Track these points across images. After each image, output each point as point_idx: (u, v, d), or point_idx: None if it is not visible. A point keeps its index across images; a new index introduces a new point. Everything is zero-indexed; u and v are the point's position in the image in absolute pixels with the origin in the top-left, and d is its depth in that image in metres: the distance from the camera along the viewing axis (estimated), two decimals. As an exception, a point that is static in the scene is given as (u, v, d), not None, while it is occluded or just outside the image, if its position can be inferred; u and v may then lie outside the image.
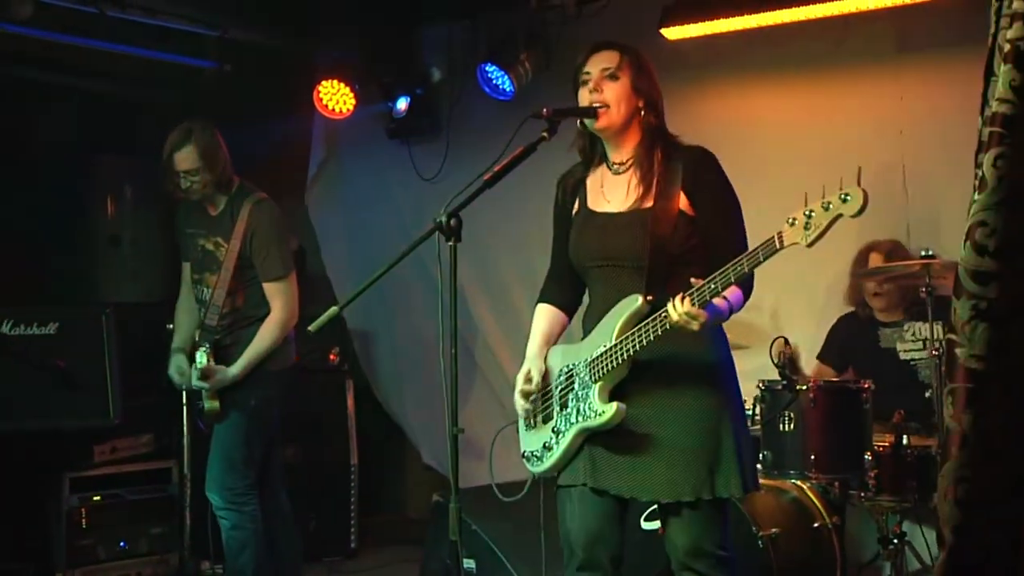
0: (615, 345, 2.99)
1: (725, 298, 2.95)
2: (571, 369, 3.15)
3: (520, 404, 3.25)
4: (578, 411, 3.08)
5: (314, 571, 5.77)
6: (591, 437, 3.09)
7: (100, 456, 5.48)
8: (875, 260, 4.87)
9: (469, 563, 4.67)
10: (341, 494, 6.16)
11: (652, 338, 2.92)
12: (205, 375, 4.43)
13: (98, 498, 5.39)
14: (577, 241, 3.22)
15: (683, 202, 3.07)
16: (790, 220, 2.70)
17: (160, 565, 5.53)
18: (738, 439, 3.07)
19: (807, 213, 2.68)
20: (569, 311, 3.39)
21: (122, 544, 5.43)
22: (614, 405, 2.99)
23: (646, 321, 2.94)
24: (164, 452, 5.71)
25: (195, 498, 5.45)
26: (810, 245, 2.68)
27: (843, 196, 2.63)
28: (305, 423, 5.93)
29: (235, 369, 4.47)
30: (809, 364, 5.21)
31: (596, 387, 3.03)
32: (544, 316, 3.38)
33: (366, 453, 6.28)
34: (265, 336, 4.49)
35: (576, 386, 3.11)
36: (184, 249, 4.77)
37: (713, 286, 2.81)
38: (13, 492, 5.24)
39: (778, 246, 2.72)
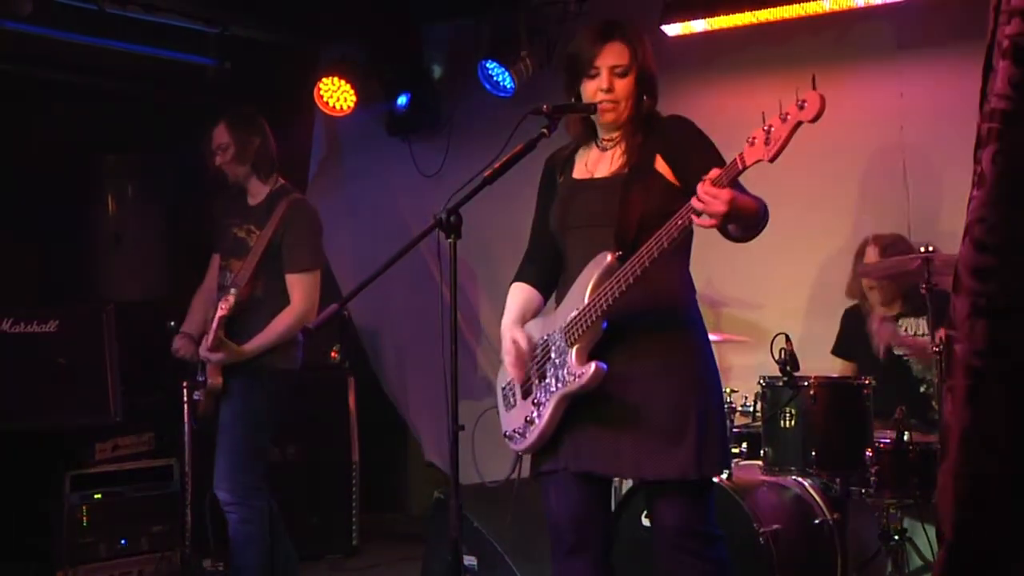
0: (587, 305, 2.99)
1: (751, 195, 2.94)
2: (547, 339, 3.14)
3: (515, 372, 3.19)
4: (557, 378, 3.06)
5: (316, 569, 5.78)
6: (572, 413, 3.07)
7: (101, 454, 5.48)
8: (871, 254, 4.87)
9: (471, 560, 4.67)
10: (343, 492, 6.16)
11: (624, 288, 2.89)
12: (216, 347, 4.42)
13: (99, 496, 5.38)
14: (558, 207, 3.24)
15: (663, 168, 3.09)
16: (750, 140, 2.69)
17: (161, 563, 5.53)
18: (718, 417, 3.09)
19: (766, 128, 2.65)
20: (544, 291, 3.37)
21: (123, 542, 5.42)
22: (592, 364, 2.96)
23: (619, 269, 2.92)
24: (165, 450, 5.71)
25: (196, 496, 5.46)
26: (772, 159, 2.64)
27: (800, 103, 2.60)
28: (306, 421, 5.93)
29: (247, 347, 4.44)
30: (811, 360, 5.20)
31: (573, 351, 3.02)
32: (519, 294, 3.35)
33: (368, 451, 6.28)
34: (281, 323, 4.47)
35: (553, 354, 3.10)
36: (216, 239, 4.78)
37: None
38: (14, 490, 5.24)
39: (740, 166, 2.71)
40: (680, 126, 3.18)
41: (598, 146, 3.23)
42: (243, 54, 6.23)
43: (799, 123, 2.61)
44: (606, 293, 2.94)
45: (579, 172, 3.24)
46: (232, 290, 4.44)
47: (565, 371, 3.04)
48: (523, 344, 3.17)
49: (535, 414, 3.13)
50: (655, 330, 3.04)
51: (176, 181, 6.43)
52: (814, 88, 2.58)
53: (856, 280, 5.06)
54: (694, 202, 2.75)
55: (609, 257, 2.99)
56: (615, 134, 3.20)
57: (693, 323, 3.15)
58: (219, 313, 4.37)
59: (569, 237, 3.20)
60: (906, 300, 4.90)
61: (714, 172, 2.76)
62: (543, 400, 3.11)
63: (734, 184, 2.77)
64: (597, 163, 3.21)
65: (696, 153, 3.08)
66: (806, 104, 2.59)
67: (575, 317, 3.02)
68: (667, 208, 2.94)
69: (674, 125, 3.18)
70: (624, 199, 3.05)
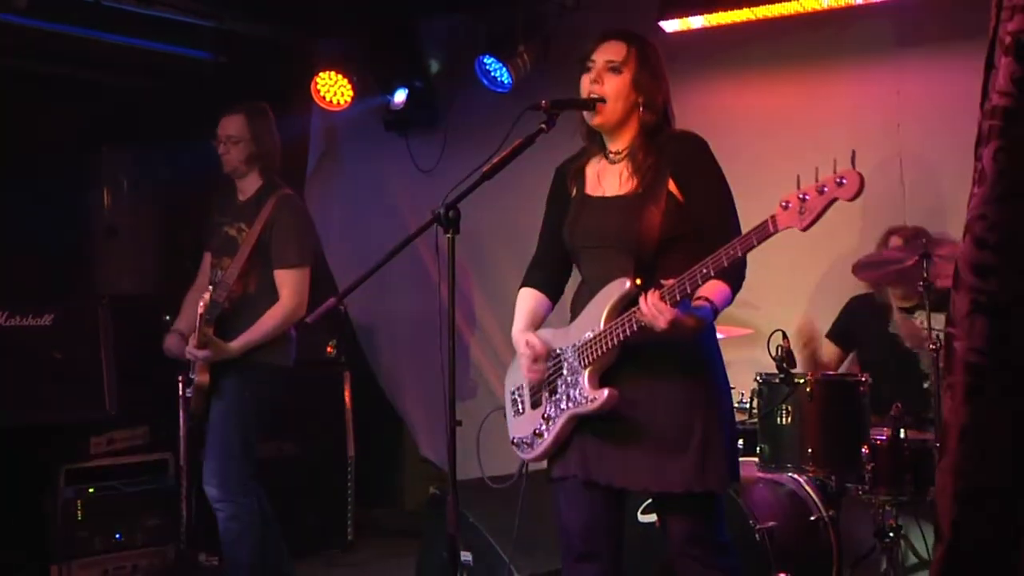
0: (604, 331, 2.99)
1: (708, 299, 2.93)
2: (559, 354, 3.14)
3: (534, 373, 3.17)
4: (568, 397, 3.07)
5: (311, 564, 5.77)
6: (581, 424, 3.09)
7: (96, 448, 5.47)
8: (896, 243, 4.86)
9: (466, 556, 4.66)
10: (338, 487, 6.16)
11: (639, 327, 2.90)
12: (203, 344, 4.40)
13: (94, 490, 5.37)
14: (572, 224, 3.22)
15: (673, 188, 3.07)
16: (783, 203, 2.65)
17: (156, 557, 5.53)
18: (726, 430, 3.07)
19: (801, 196, 2.63)
20: (553, 296, 3.38)
21: (118, 536, 5.42)
22: (606, 391, 2.98)
23: (632, 309, 2.92)
24: (160, 444, 5.70)
25: (191, 490, 5.45)
26: (805, 229, 2.63)
27: (839, 180, 2.58)
28: (302, 416, 5.93)
29: (234, 345, 4.43)
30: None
31: (586, 372, 3.03)
32: (529, 298, 3.35)
33: (363, 446, 6.28)
34: (269, 320, 4.46)
35: (564, 371, 3.10)
36: (208, 237, 4.77)
37: (694, 278, 2.79)
38: (9, 484, 5.23)
39: (772, 230, 2.68)
40: (690, 144, 3.14)
41: (607, 158, 3.21)
42: (239, 48, 6.21)
43: (835, 199, 2.59)
44: (623, 324, 2.94)
45: (591, 187, 3.22)
46: (210, 286, 4.44)
47: (577, 392, 3.05)
48: (538, 346, 3.16)
49: (544, 428, 3.15)
50: (664, 343, 2.99)
51: (171, 175, 6.42)
52: (853, 166, 2.55)
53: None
54: (641, 309, 2.83)
55: (628, 284, 2.98)
56: (622, 148, 3.17)
57: (703, 335, 3.13)
58: (199, 311, 4.37)
59: (584, 255, 3.21)
60: (924, 294, 4.87)
61: (669, 282, 2.82)
62: (553, 415, 3.13)
63: (759, 235, 2.72)
64: (608, 178, 3.19)
65: (701, 179, 3.08)
66: (845, 182, 2.56)
67: (590, 340, 3.03)
68: (682, 228, 3.00)
69: (685, 143, 3.14)
70: (640, 222, 3.03)
